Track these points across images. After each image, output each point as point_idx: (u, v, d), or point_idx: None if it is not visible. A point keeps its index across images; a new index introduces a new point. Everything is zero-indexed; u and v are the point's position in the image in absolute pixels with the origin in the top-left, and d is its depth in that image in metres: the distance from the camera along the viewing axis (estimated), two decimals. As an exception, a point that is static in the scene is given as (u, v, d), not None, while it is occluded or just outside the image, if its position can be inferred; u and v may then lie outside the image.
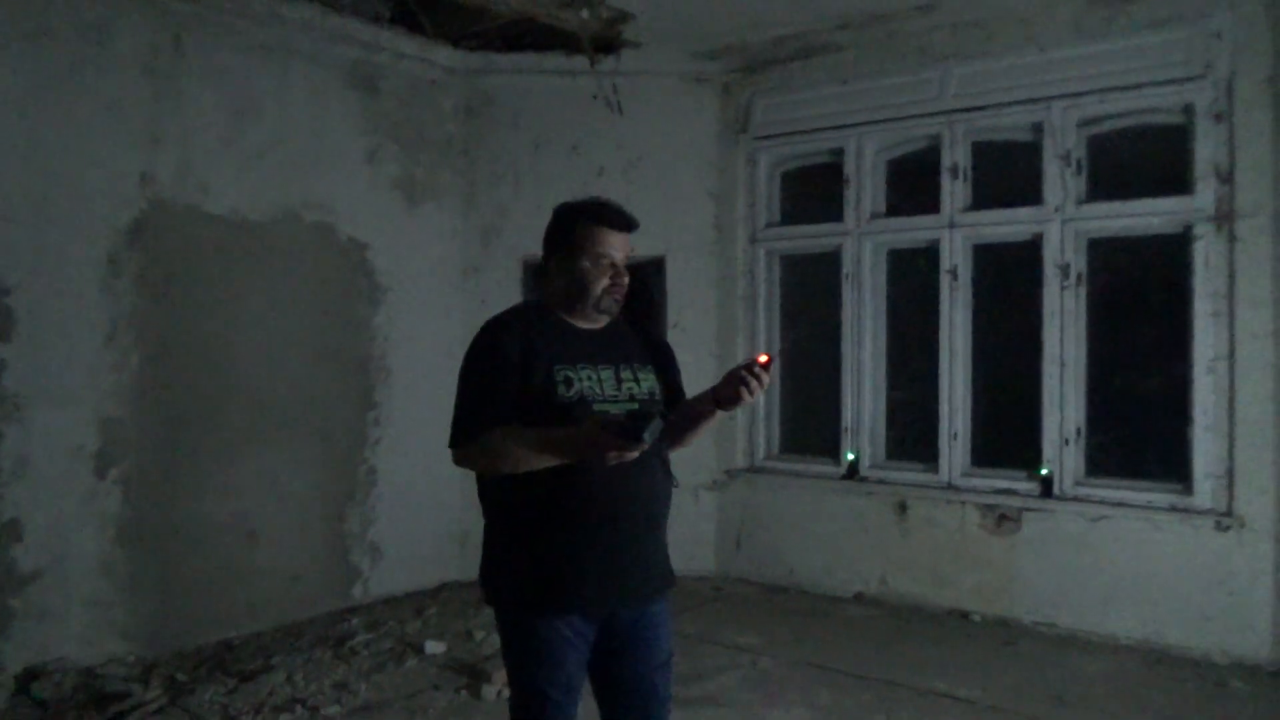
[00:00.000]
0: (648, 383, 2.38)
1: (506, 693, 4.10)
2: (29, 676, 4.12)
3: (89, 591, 4.40)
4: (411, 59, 5.73)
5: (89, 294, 4.39)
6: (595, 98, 6.01)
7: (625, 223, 2.37)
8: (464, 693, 4.16)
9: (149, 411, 4.59)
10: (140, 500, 4.56)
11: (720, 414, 2.38)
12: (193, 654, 4.64)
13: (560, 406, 2.22)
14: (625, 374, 2.35)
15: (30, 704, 3.95)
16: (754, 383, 2.20)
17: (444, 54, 5.86)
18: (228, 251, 4.90)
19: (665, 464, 2.41)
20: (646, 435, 2.01)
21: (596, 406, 2.25)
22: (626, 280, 2.35)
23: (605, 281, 2.33)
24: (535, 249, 6.55)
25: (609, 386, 2.31)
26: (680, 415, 2.42)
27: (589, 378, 2.29)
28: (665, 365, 2.50)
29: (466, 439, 2.26)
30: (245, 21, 4.92)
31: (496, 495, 2.34)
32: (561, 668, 2.28)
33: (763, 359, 2.23)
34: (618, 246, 2.33)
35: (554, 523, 2.24)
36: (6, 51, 4.11)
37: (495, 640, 4.81)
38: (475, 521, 6.16)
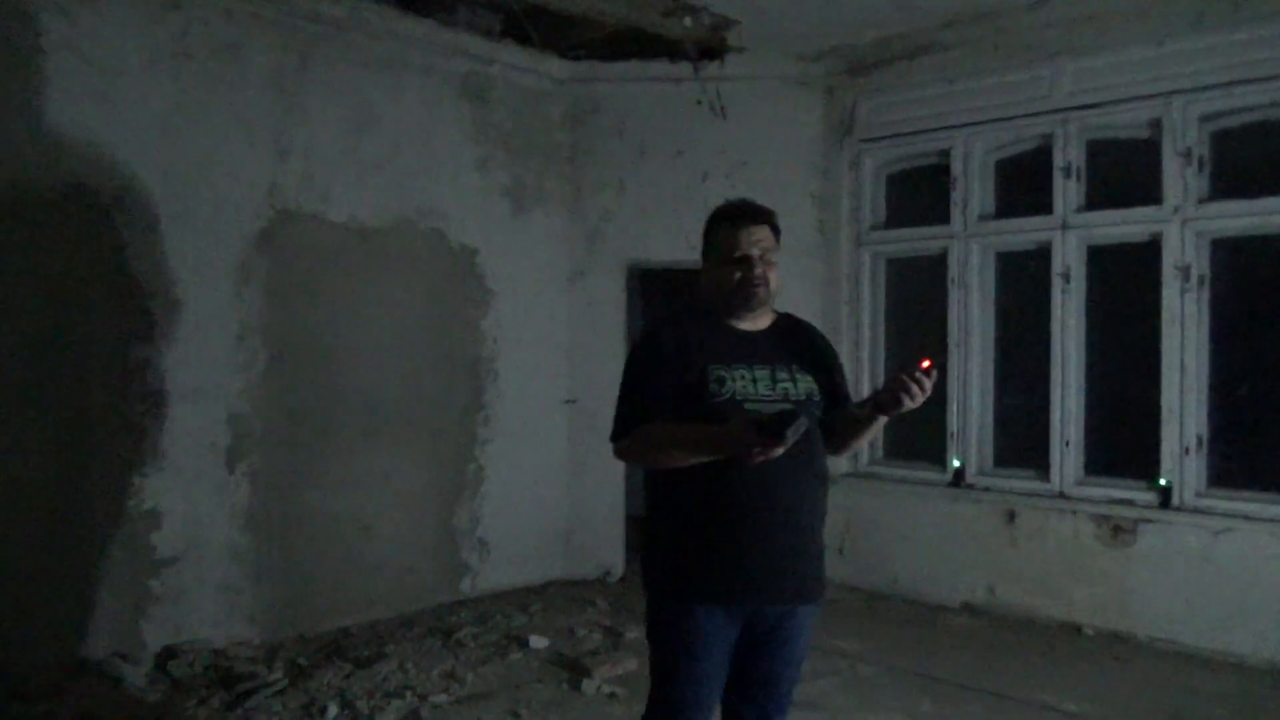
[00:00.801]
0: (805, 384, 2.41)
1: (606, 688, 4.22)
2: (167, 655, 4.42)
3: (220, 577, 4.69)
4: (520, 70, 5.91)
5: (222, 298, 4.69)
6: (699, 103, 6.07)
7: (752, 215, 2.42)
8: (565, 686, 4.27)
9: (273, 409, 4.87)
10: (266, 493, 4.84)
11: (883, 419, 2.38)
12: (313, 639, 4.88)
13: (711, 405, 2.29)
14: (782, 374, 2.39)
15: (167, 681, 4.24)
16: (915, 388, 2.20)
17: (551, 64, 6.03)
18: (346, 257, 5.15)
19: (817, 466, 2.42)
20: (789, 434, 2.04)
21: (749, 406, 2.29)
22: (760, 271, 2.37)
23: (736, 275, 2.38)
24: (640, 253, 6.68)
25: (763, 387, 2.35)
26: (841, 419, 2.45)
27: (743, 378, 2.34)
28: (828, 368, 2.52)
29: (624, 433, 2.37)
30: (363, 37, 5.17)
31: (658, 488, 2.42)
32: (705, 658, 2.34)
33: (925, 364, 2.21)
34: (749, 240, 2.38)
35: (703, 517, 2.31)
36: (150, 72, 4.43)
37: (598, 637, 4.94)
38: (580, 521, 6.34)
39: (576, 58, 6.06)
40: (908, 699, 4.16)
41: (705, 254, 2.49)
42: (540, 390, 6.11)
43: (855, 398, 2.61)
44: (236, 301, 4.73)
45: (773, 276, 2.41)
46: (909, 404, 2.22)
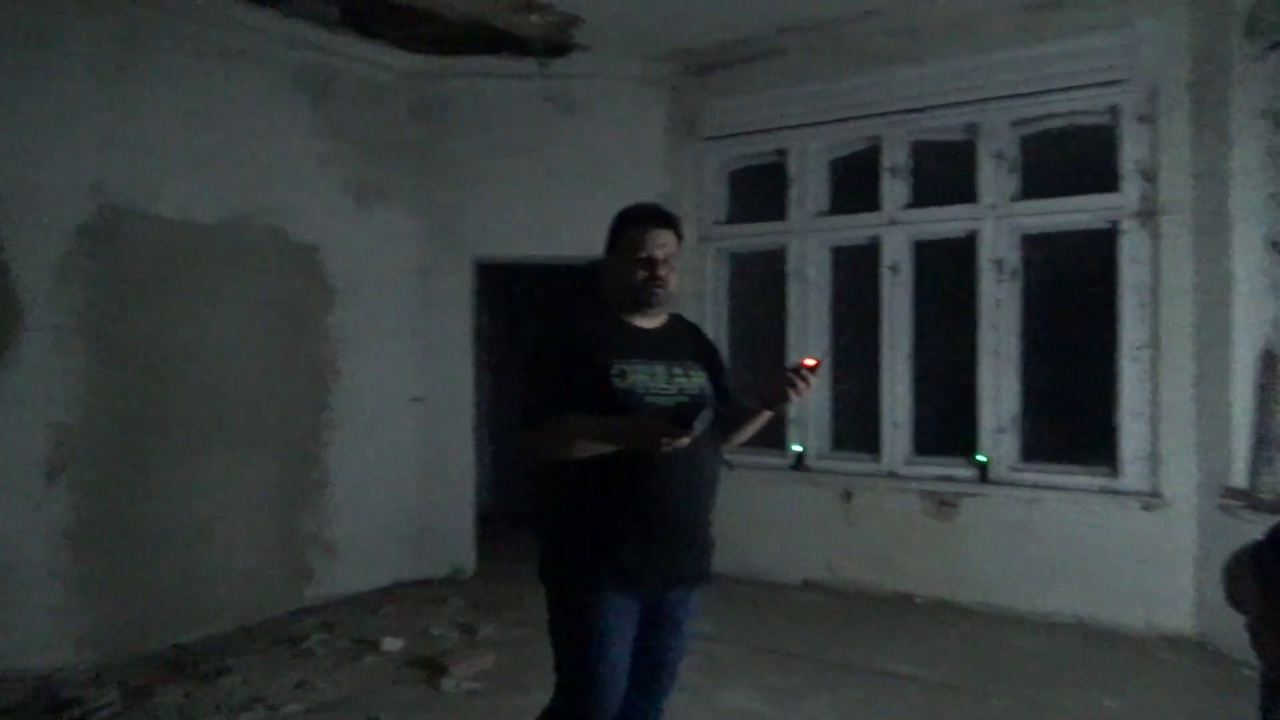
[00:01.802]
0: (698, 379, 2.51)
1: (466, 685, 4.21)
2: (-16, 684, 4.09)
3: (41, 599, 4.36)
4: (364, 63, 5.77)
5: (38, 298, 4.36)
6: (547, 100, 6.10)
7: (660, 219, 2.50)
8: (423, 686, 4.23)
9: (100, 416, 4.57)
10: (92, 506, 4.53)
11: (768, 413, 2.50)
12: (149, 658, 4.62)
13: (615, 397, 2.34)
14: (677, 370, 2.47)
15: (-15, 712, 3.94)
16: (801, 384, 2.33)
17: (396, 58, 5.91)
18: (180, 255, 4.89)
19: (716, 456, 2.53)
20: (696, 424, 2.12)
21: (648, 399, 2.37)
22: (664, 273, 2.46)
23: (642, 274, 2.45)
24: (489, 250, 6.63)
25: (661, 381, 2.43)
26: (729, 414, 2.55)
27: (644, 371, 2.41)
28: (716, 366, 2.62)
29: (532, 425, 2.39)
30: (197, 25, 4.92)
31: (558, 482, 2.45)
32: (612, 646, 2.38)
33: (810, 362, 2.33)
34: (654, 243, 2.46)
35: (610, 507, 2.36)
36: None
37: (454, 636, 4.90)
38: (430, 520, 6.23)
39: (422, 52, 5.96)
40: (760, 674, 4.35)
41: (610, 251, 2.54)
42: (387, 389, 5.99)
43: None
44: (55, 302, 4.41)
45: (673, 279, 2.49)
46: (795, 399, 2.36)
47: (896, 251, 5.64)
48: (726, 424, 2.55)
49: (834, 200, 6.01)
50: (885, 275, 5.67)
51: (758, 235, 6.21)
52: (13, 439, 4.28)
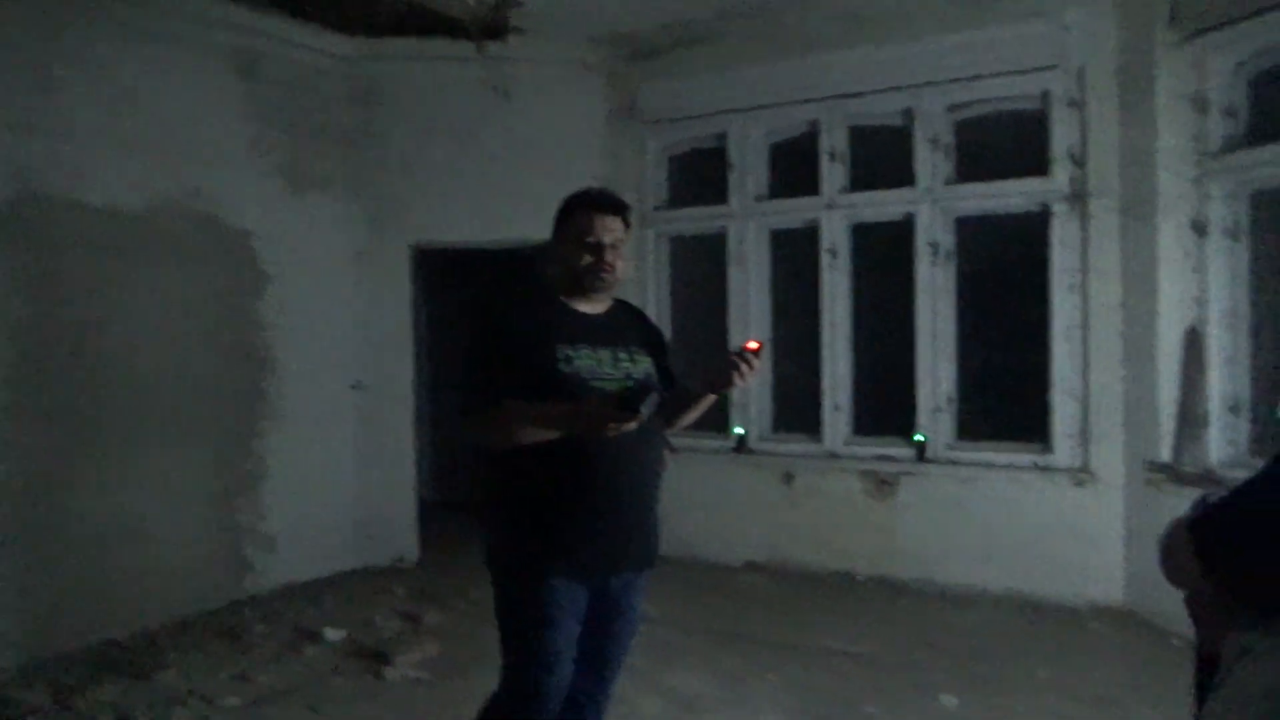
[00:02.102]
0: (643, 364, 2.50)
1: (411, 673, 4.18)
2: (-98, 688, 3.95)
3: (-39, 598, 4.23)
4: (296, 46, 5.63)
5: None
6: (485, 85, 6.03)
7: (609, 205, 2.48)
8: (367, 676, 4.18)
9: (23, 410, 4.41)
10: (13, 502, 4.38)
11: (712, 397, 2.50)
12: (79, 656, 4.49)
13: (560, 383, 2.32)
14: (622, 355, 2.46)
15: (-94, 715, 3.79)
16: (745, 367, 2.33)
17: (329, 40, 5.77)
18: (106, 243, 4.73)
19: (661, 440, 2.52)
20: (643, 409, 2.11)
21: (593, 384, 2.35)
22: (611, 259, 2.44)
23: (588, 259, 2.43)
24: (426, 235, 6.53)
25: (607, 366, 2.42)
26: (675, 398, 2.54)
27: (588, 357, 2.40)
28: (661, 351, 2.61)
29: (475, 412, 2.36)
30: (123, 7, 4.75)
31: (503, 468, 2.42)
32: (559, 630, 2.36)
33: (753, 345, 2.34)
34: (603, 228, 2.44)
35: (556, 492, 2.34)
36: None
37: (396, 624, 4.86)
38: (370, 509, 6.15)
39: (356, 34, 5.84)
40: (705, 656, 4.38)
41: (556, 235, 2.52)
42: (325, 377, 5.88)
43: None
44: (-27, 292, 4.25)
45: (620, 265, 2.48)
46: (739, 383, 2.36)
47: (835, 235, 5.70)
48: (671, 408, 2.55)
49: (774, 185, 6.05)
50: (824, 259, 5.73)
51: (698, 219, 6.23)
52: (-70, 434, 4.12)
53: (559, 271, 2.51)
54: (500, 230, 5.91)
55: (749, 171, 5.99)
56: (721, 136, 6.08)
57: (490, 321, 2.47)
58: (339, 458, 5.99)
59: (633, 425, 2.15)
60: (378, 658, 4.35)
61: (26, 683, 4.14)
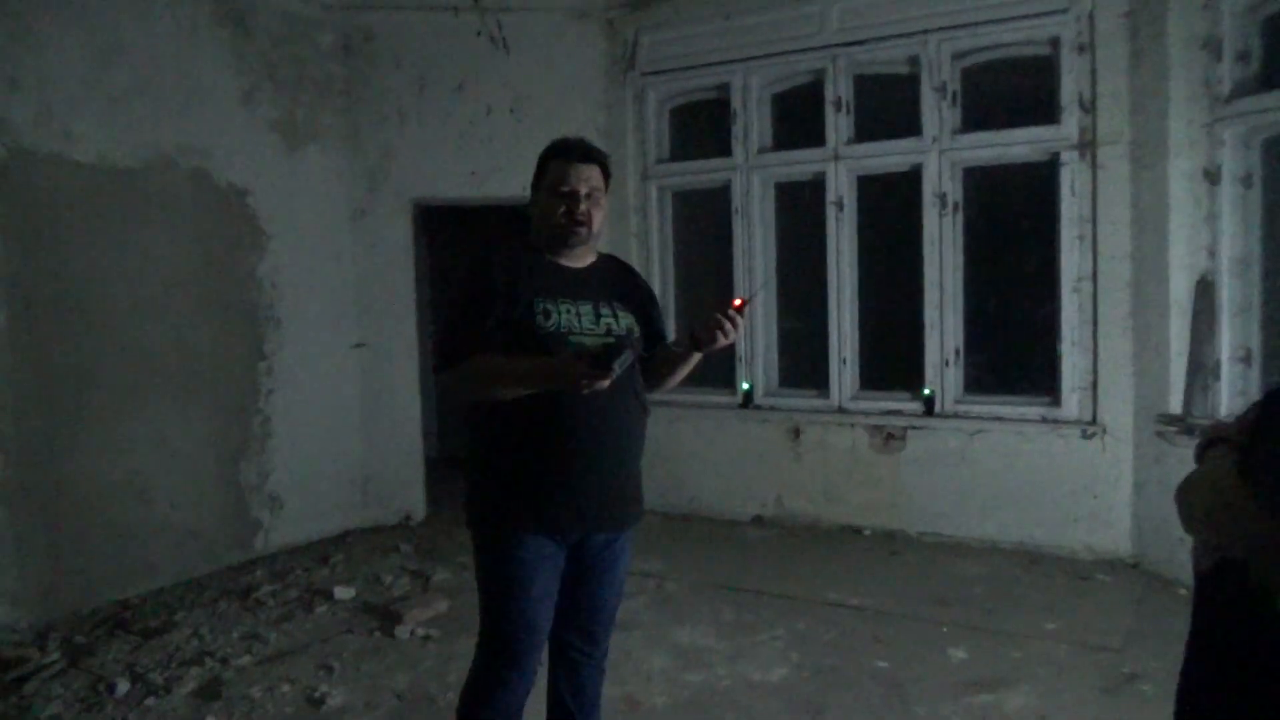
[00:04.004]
0: (626, 320, 2.46)
1: (420, 631, 4.19)
2: (-85, 649, 3.97)
3: (-28, 559, 4.24)
4: (284, -6, 5.51)
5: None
6: (480, 35, 5.91)
7: (584, 153, 2.41)
8: (377, 634, 4.20)
9: (22, 371, 4.38)
10: (19, 463, 4.37)
11: (698, 355, 2.45)
12: (90, 616, 4.53)
13: (539, 337, 2.30)
14: (604, 310, 2.42)
15: (-81, 677, 3.82)
16: (729, 325, 2.29)
17: (318, -12, 5.66)
18: (99, 200, 4.67)
19: (640, 398, 2.49)
20: (616, 366, 2.08)
21: (573, 339, 2.32)
22: (585, 209, 2.39)
23: (561, 209, 2.38)
24: (425, 190, 6.45)
25: (587, 321, 2.38)
26: (659, 356, 2.51)
27: (568, 311, 2.36)
28: (647, 307, 2.57)
29: (449, 365, 2.33)
30: (102, -44, 4.64)
31: (480, 422, 2.40)
32: (534, 586, 2.35)
33: (737, 302, 2.30)
34: (578, 177, 2.38)
35: (531, 450, 2.32)
36: None
37: (406, 582, 4.88)
38: (377, 467, 6.15)
39: (347, -18, 5.72)
40: (712, 610, 4.40)
41: (534, 187, 2.47)
42: (327, 336, 5.85)
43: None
44: (-32, 253, 4.20)
45: (597, 216, 2.42)
46: (723, 340, 2.31)
47: (841, 187, 5.62)
48: (659, 366, 2.52)
49: (777, 136, 5.95)
50: (830, 211, 5.65)
51: (701, 172, 6.13)
52: (-68, 398, 4.10)
53: (537, 225, 2.46)
54: (499, 185, 5.82)
55: (752, 123, 5.89)
56: (723, 87, 5.96)
57: (472, 272, 2.43)
58: (344, 416, 5.97)
59: (605, 383, 2.12)
60: (388, 616, 4.37)
61: (40, 642, 4.17)
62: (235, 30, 5.30)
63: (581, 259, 2.49)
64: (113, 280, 4.74)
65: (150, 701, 3.59)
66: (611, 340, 2.32)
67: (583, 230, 2.40)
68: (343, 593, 4.71)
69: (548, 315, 2.33)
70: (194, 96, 5.10)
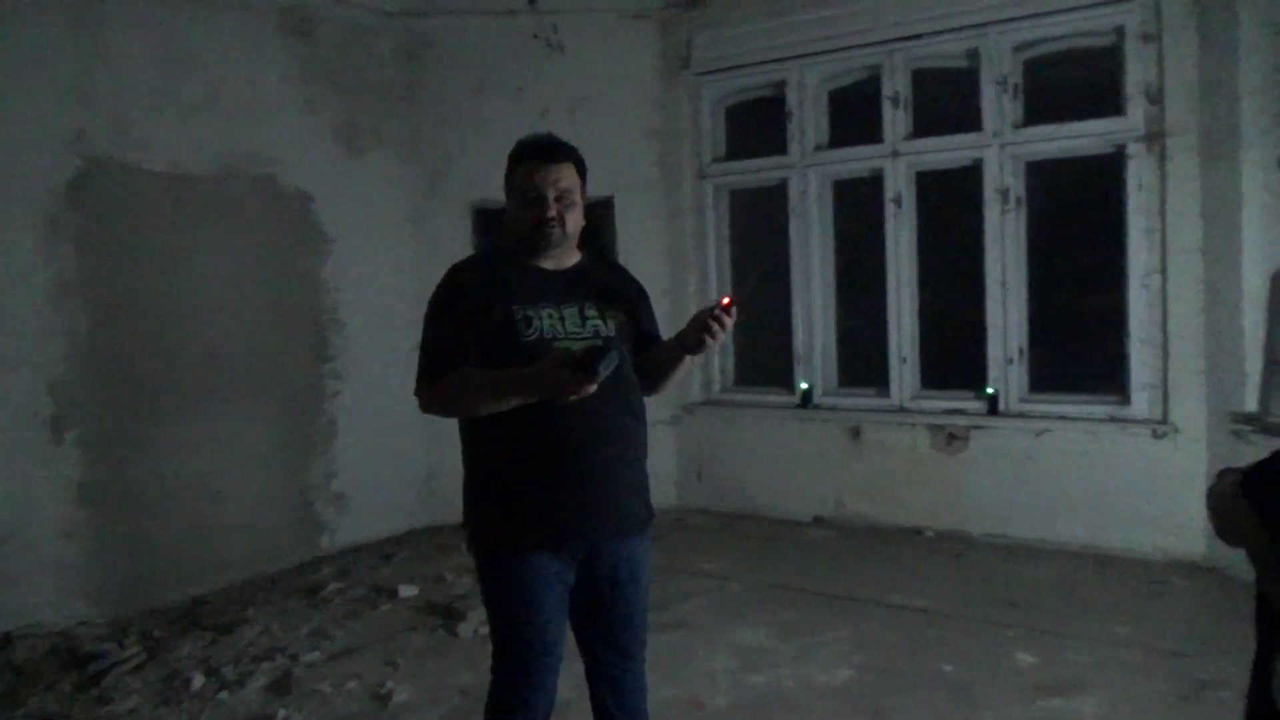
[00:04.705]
0: (615, 321, 2.34)
1: (484, 629, 4.23)
2: (3, 643, 4.12)
3: (54, 556, 4.39)
4: (345, 3, 5.61)
5: (28, 257, 4.30)
6: (535, 37, 5.96)
7: (549, 153, 2.28)
8: (440, 632, 4.26)
9: (102, 373, 4.54)
10: (99, 463, 4.53)
11: (690, 359, 2.36)
12: (165, 612, 4.66)
13: (522, 347, 2.19)
14: (590, 312, 2.30)
15: (7, 669, 3.96)
16: (715, 326, 2.18)
17: (377, -3, 5.76)
18: (170, 208, 4.81)
19: (635, 400, 2.38)
20: (601, 369, 1.98)
21: (558, 344, 2.19)
22: (555, 212, 2.26)
23: (532, 214, 2.27)
24: (484, 194, 6.53)
25: (571, 324, 2.26)
26: (652, 360, 2.41)
27: (550, 316, 2.25)
28: (637, 308, 2.45)
29: (428, 384, 2.25)
30: (170, -30, 4.78)
31: (473, 439, 2.33)
32: (544, 607, 2.25)
33: (725, 301, 2.19)
34: (545, 180, 2.26)
35: (523, 463, 2.22)
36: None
37: (468, 581, 4.93)
38: (439, 467, 6.25)
39: (406, -11, 5.81)
40: (771, 611, 4.37)
41: (506, 192, 2.35)
42: (389, 338, 5.93)
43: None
44: (47, 260, 4.35)
45: (571, 217, 2.30)
46: (712, 343, 2.22)
47: (899, 183, 5.55)
48: (653, 368, 2.41)
49: (834, 133, 5.91)
50: (888, 208, 5.59)
51: (757, 171, 6.11)
52: (15, 400, 4.26)
53: (510, 230, 2.35)
54: (557, 188, 5.85)
55: (808, 120, 5.85)
56: (778, 85, 5.94)
57: (441, 287, 2.32)
58: (407, 417, 5.98)
59: (591, 388, 2.01)
60: (450, 614, 4.43)
61: (118, 637, 4.30)
62: (298, 39, 5.42)
63: (562, 261, 2.36)
64: (185, 285, 4.88)
65: (224, 695, 3.68)
66: (598, 343, 2.18)
67: (555, 232, 2.27)
68: (406, 591, 4.78)
69: (529, 322, 2.22)
70: (259, 105, 5.23)
